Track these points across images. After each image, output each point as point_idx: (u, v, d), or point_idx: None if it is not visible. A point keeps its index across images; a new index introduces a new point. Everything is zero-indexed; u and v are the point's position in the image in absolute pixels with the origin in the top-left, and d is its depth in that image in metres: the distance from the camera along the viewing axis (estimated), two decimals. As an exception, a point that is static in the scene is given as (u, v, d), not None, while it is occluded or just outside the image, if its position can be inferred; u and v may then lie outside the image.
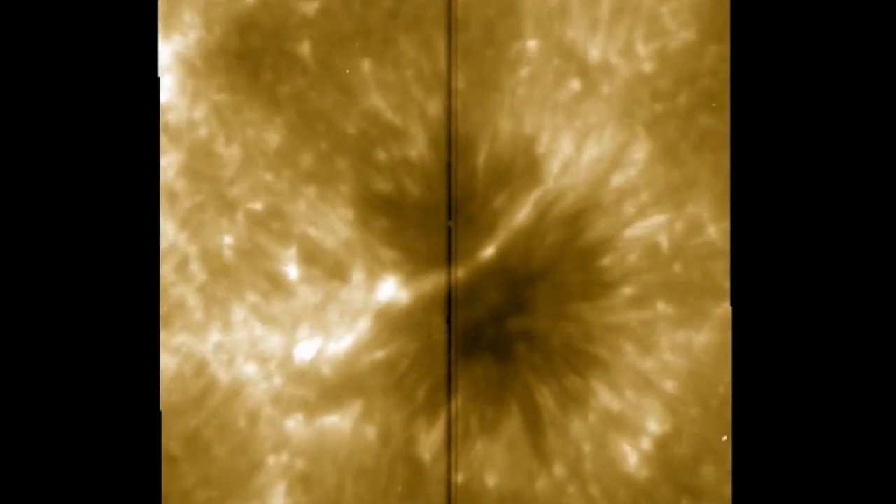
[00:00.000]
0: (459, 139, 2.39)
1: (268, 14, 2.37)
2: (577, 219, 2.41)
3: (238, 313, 2.37)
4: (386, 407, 2.38)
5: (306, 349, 2.37)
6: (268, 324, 2.37)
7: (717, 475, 2.43)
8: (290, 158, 2.38)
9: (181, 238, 2.37)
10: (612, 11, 2.40)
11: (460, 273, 2.39)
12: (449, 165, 2.39)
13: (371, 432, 2.38)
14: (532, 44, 2.40)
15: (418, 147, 2.39)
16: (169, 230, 2.37)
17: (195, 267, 2.37)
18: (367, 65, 2.38)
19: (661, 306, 2.41)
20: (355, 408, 2.38)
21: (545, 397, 2.40)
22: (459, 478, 2.39)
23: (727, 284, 2.42)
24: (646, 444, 2.41)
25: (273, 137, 2.38)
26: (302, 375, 2.38)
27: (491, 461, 2.40)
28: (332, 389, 2.38)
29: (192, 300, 2.37)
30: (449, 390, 2.39)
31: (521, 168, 2.40)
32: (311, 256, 2.38)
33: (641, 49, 2.41)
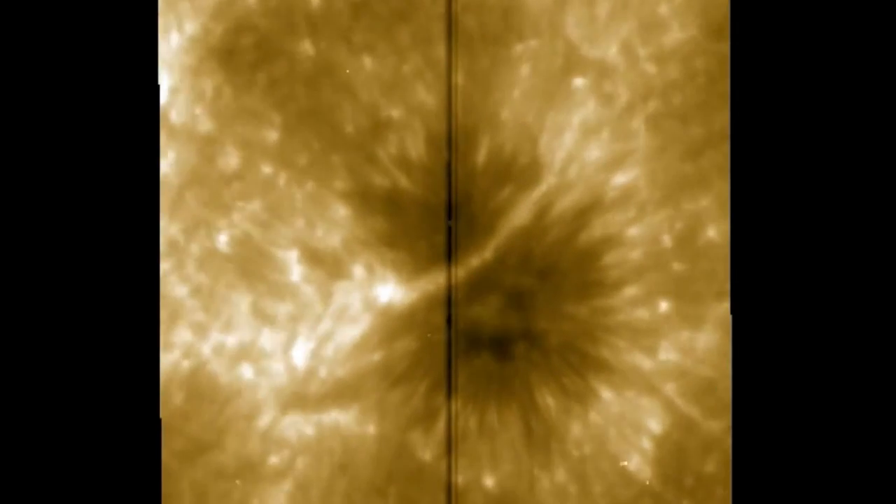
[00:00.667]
0: (459, 138, 2.39)
1: (267, 11, 2.37)
2: (576, 218, 2.41)
3: (238, 313, 2.37)
4: (386, 407, 2.38)
5: (302, 350, 2.37)
6: (267, 323, 2.37)
7: (717, 475, 2.43)
8: (290, 157, 2.38)
9: (181, 238, 2.37)
10: (613, 9, 2.40)
11: (460, 273, 2.39)
12: (449, 164, 2.39)
13: (371, 432, 2.38)
14: (533, 41, 2.40)
15: (418, 146, 2.39)
16: (169, 230, 2.37)
17: (195, 267, 2.37)
18: (367, 64, 2.38)
19: (662, 306, 2.41)
20: (355, 408, 2.38)
21: (545, 397, 2.40)
22: (459, 478, 2.39)
23: (727, 284, 2.42)
24: (646, 443, 2.41)
25: (272, 136, 2.38)
26: (302, 375, 2.38)
27: (491, 461, 2.40)
28: (331, 389, 2.38)
29: (192, 300, 2.37)
30: (449, 390, 2.39)
31: (521, 167, 2.40)
32: (311, 256, 2.38)
33: (642, 48, 2.41)
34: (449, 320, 2.39)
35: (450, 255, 2.39)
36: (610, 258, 2.41)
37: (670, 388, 2.42)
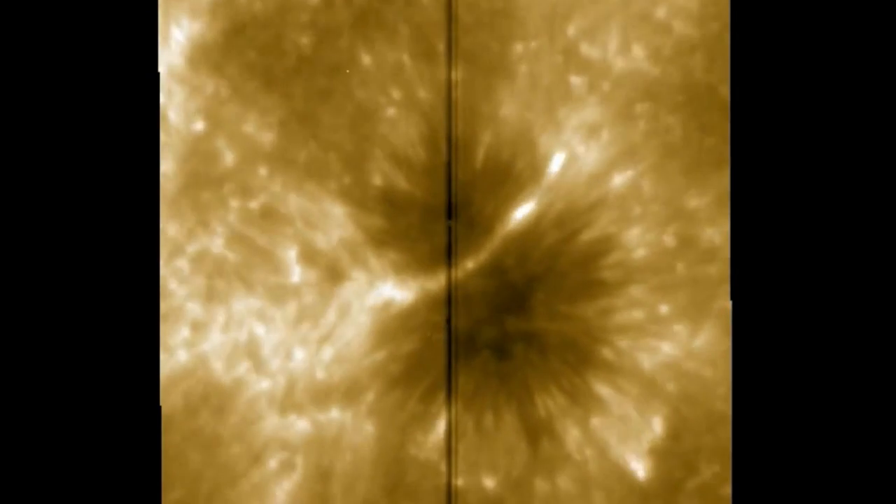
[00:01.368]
0: (459, 138, 2.39)
1: (267, 10, 2.37)
2: (576, 218, 2.41)
3: (237, 314, 2.37)
4: (386, 407, 2.38)
5: (301, 351, 2.37)
6: (267, 324, 2.37)
7: (717, 475, 2.43)
8: (289, 157, 2.38)
9: (181, 237, 2.37)
10: (613, 8, 2.40)
11: (460, 273, 2.39)
12: (448, 164, 2.38)
13: (370, 433, 2.38)
14: (532, 41, 2.39)
15: (417, 146, 2.39)
16: (169, 229, 2.37)
17: (195, 266, 2.37)
18: (367, 63, 2.38)
19: (662, 306, 2.41)
20: (355, 409, 2.38)
21: (545, 398, 2.40)
22: (459, 478, 2.39)
23: (727, 284, 2.42)
24: (646, 444, 2.41)
25: (272, 135, 2.37)
26: (301, 376, 2.38)
27: (490, 462, 2.40)
28: (331, 390, 2.38)
29: (192, 300, 2.37)
30: (449, 391, 2.39)
31: (520, 167, 2.40)
32: (311, 256, 2.38)
33: (642, 47, 2.41)
34: (449, 321, 2.39)
35: (450, 255, 2.39)
36: (610, 258, 2.41)
37: (670, 389, 2.42)
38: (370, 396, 2.38)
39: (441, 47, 2.39)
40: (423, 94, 2.39)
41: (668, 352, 2.42)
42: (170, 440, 2.37)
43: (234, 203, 2.37)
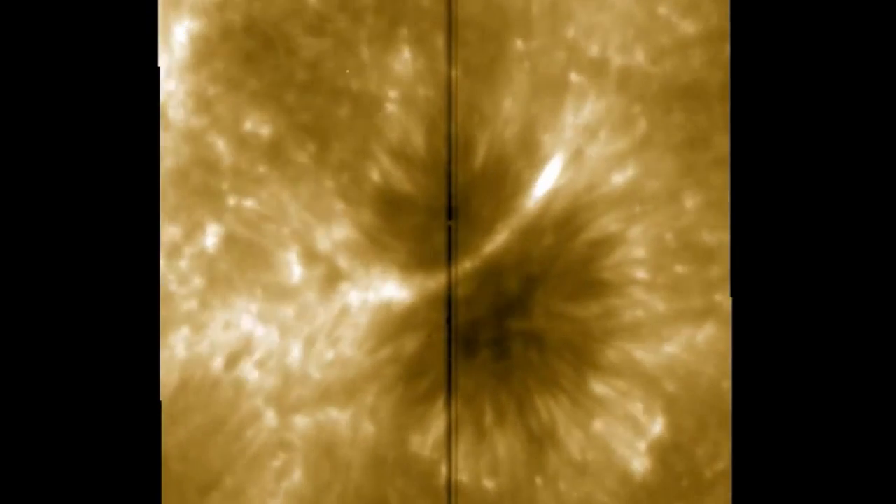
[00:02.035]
0: (459, 138, 2.39)
1: (266, 8, 2.37)
2: (576, 218, 2.40)
3: (237, 313, 2.37)
4: (385, 407, 2.38)
5: (301, 350, 2.37)
6: (266, 323, 2.37)
7: (717, 474, 2.43)
8: (289, 155, 2.38)
9: (180, 237, 2.37)
10: (614, 7, 2.40)
11: (460, 272, 2.39)
12: (449, 164, 2.38)
13: (370, 432, 2.38)
14: (532, 39, 2.39)
15: (418, 146, 2.39)
16: (168, 229, 2.37)
17: (195, 266, 2.37)
18: (367, 61, 2.38)
19: (661, 305, 2.41)
20: (355, 407, 2.38)
21: (545, 397, 2.40)
22: (459, 477, 2.39)
23: (727, 284, 2.42)
24: (646, 442, 2.41)
25: (271, 134, 2.37)
26: (301, 375, 2.38)
27: (490, 460, 2.40)
28: (331, 389, 2.38)
29: (192, 300, 2.37)
30: (449, 390, 2.39)
31: (520, 166, 2.40)
32: (311, 256, 2.38)
33: (642, 46, 2.41)
34: (449, 320, 2.39)
35: (450, 254, 2.39)
36: (610, 258, 2.41)
37: (670, 387, 2.42)
38: (370, 396, 2.38)
39: (441, 46, 2.39)
40: (423, 92, 2.39)
41: (669, 351, 2.42)
42: (169, 440, 2.37)
43: (233, 202, 2.37)
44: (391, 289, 2.38)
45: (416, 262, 2.39)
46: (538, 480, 2.40)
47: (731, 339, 2.43)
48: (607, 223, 2.41)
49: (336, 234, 2.38)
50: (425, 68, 2.38)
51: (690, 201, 2.42)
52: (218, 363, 2.37)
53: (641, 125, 2.41)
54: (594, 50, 2.40)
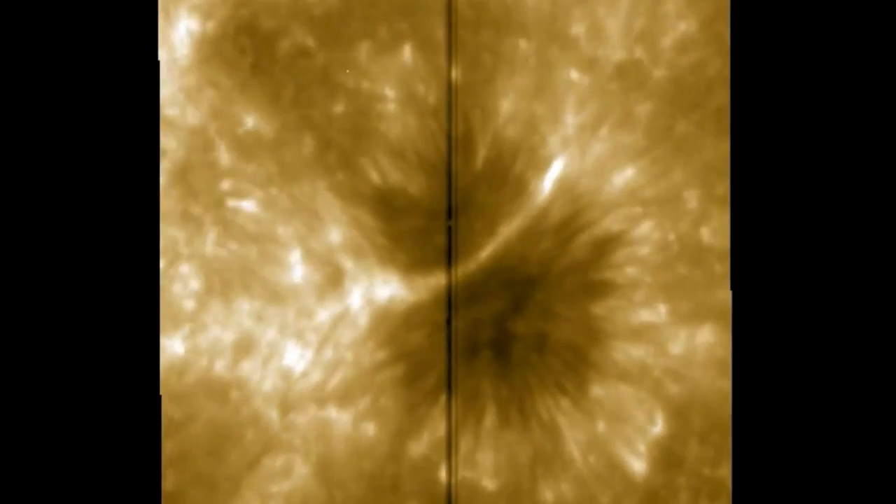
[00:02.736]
0: (460, 137, 2.39)
1: (266, 7, 2.37)
2: (577, 218, 2.40)
3: (237, 313, 2.37)
4: (386, 407, 2.38)
5: (301, 351, 2.37)
6: (266, 323, 2.37)
7: (717, 474, 2.43)
8: (288, 155, 2.37)
9: (180, 236, 2.37)
10: (614, 6, 2.40)
11: (460, 273, 2.39)
12: (449, 164, 2.38)
13: (371, 432, 2.38)
14: (532, 38, 2.39)
15: (418, 146, 2.38)
16: (168, 229, 2.36)
17: (194, 266, 2.37)
18: (368, 62, 2.38)
19: (661, 306, 2.41)
20: (355, 408, 2.38)
21: (545, 398, 2.40)
22: (459, 478, 2.39)
23: (727, 284, 2.42)
24: (646, 443, 2.41)
25: (271, 133, 2.37)
26: (301, 376, 2.38)
27: (490, 461, 2.40)
28: (331, 390, 2.38)
29: (192, 300, 2.36)
30: (449, 391, 2.39)
31: (521, 166, 2.39)
32: (310, 255, 2.38)
33: (643, 46, 2.41)
34: (449, 321, 2.39)
35: (450, 255, 2.39)
36: (611, 258, 2.41)
37: (670, 388, 2.42)
38: (370, 396, 2.38)
39: (441, 45, 2.39)
40: (422, 91, 2.38)
41: (669, 351, 2.42)
42: (169, 440, 2.37)
43: (233, 202, 2.37)
44: (391, 289, 2.38)
45: (416, 263, 2.39)
46: (538, 480, 2.40)
47: (732, 339, 2.43)
48: (608, 224, 2.41)
49: (336, 234, 2.38)
50: (425, 67, 2.38)
51: (691, 202, 2.42)
52: (218, 364, 2.37)
53: (642, 125, 2.41)
54: (595, 48, 2.40)
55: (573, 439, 2.40)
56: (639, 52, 2.40)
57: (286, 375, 2.37)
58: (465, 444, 2.39)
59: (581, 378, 2.40)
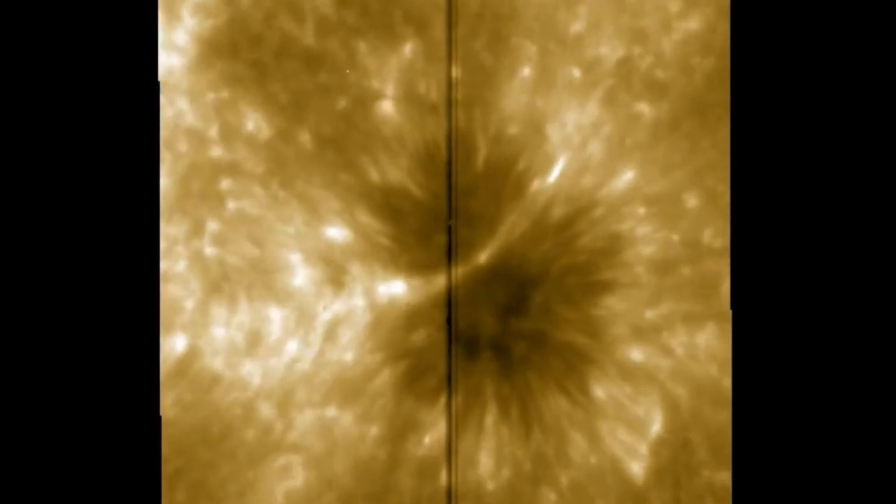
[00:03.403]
0: (460, 137, 2.38)
1: (266, 5, 2.37)
2: (577, 218, 2.40)
3: (236, 313, 2.37)
4: (386, 407, 2.38)
5: (301, 350, 2.37)
6: (266, 323, 2.37)
7: (717, 474, 2.43)
8: (288, 154, 2.37)
9: (180, 236, 2.36)
10: (615, 6, 2.40)
11: (460, 273, 2.39)
12: (449, 164, 2.38)
13: (371, 432, 2.38)
14: (532, 38, 2.39)
15: (418, 145, 2.38)
16: (168, 228, 2.36)
17: (194, 265, 2.36)
18: (368, 61, 2.38)
19: (661, 306, 2.41)
20: (355, 408, 2.38)
21: (546, 398, 2.40)
22: (459, 478, 2.39)
23: (727, 284, 2.42)
24: (646, 443, 2.41)
25: (271, 133, 2.37)
26: (301, 376, 2.37)
27: (491, 461, 2.40)
28: (332, 390, 2.38)
29: (192, 299, 2.36)
30: (449, 391, 2.39)
31: (522, 166, 2.39)
32: (310, 255, 2.37)
33: (643, 45, 2.41)
34: (449, 320, 2.38)
35: (450, 255, 2.39)
36: (611, 258, 2.41)
37: (670, 388, 2.42)
38: (370, 396, 2.38)
39: (441, 43, 2.39)
40: (423, 91, 2.38)
41: (669, 351, 2.41)
42: (169, 440, 2.36)
43: (233, 201, 2.37)
44: (391, 289, 2.38)
45: (416, 262, 2.38)
46: (538, 480, 2.40)
47: (732, 339, 2.43)
48: (609, 223, 2.40)
49: (337, 233, 2.37)
50: (425, 65, 2.38)
51: (691, 202, 2.42)
52: (218, 363, 2.36)
53: (643, 124, 2.41)
54: (595, 49, 2.40)
55: (573, 439, 2.40)
56: (640, 51, 2.40)
57: (285, 375, 2.37)
58: (465, 444, 2.39)
59: (581, 378, 2.40)
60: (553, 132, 2.40)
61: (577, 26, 2.40)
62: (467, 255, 2.39)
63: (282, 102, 2.37)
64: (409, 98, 2.38)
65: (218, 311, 2.36)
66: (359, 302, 2.38)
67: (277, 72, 2.37)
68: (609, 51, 2.40)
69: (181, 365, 2.36)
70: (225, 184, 2.36)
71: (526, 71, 2.39)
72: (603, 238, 2.40)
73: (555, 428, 2.40)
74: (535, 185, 2.39)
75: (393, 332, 2.38)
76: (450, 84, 2.38)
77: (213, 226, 2.36)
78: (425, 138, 2.39)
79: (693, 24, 2.41)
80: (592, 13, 2.40)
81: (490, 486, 2.40)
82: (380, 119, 2.38)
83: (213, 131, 2.36)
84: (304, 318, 2.37)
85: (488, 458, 2.40)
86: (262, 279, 2.37)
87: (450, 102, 2.38)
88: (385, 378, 2.38)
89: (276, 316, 2.37)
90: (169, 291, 2.36)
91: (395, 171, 2.38)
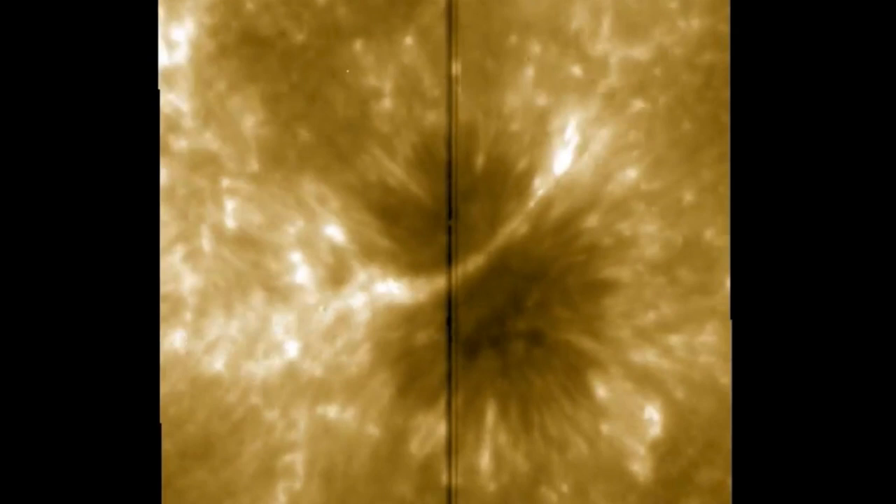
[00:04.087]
0: (460, 137, 2.38)
1: (266, 5, 2.37)
2: (577, 217, 2.40)
3: (236, 312, 2.37)
4: (386, 407, 2.38)
5: (301, 350, 2.37)
6: (266, 322, 2.37)
7: (717, 474, 2.43)
8: (288, 154, 2.37)
9: (180, 235, 2.36)
10: (615, 4, 2.40)
11: (461, 272, 2.39)
12: (449, 163, 2.38)
13: (371, 432, 2.38)
14: (532, 36, 2.39)
15: (418, 145, 2.38)
16: (168, 226, 2.36)
17: (194, 265, 2.36)
18: (368, 61, 2.38)
19: (661, 305, 2.41)
20: (355, 408, 2.38)
21: (546, 397, 2.40)
22: (459, 478, 2.39)
23: (727, 284, 2.42)
24: (646, 444, 2.41)
25: (272, 132, 2.37)
26: (301, 375, 2.37)
27: (490, 461, 2.40)
28: (332, 389, 2.38)
29: (192, 298, 2.36)
30: (449, 390, 2.39)
31: (522, 165, 2.39)
32: (310, 255, 2.37)
33: (644, 45, 2.41)
34: (449, 320, 2.38)
35: (450, 254, 2.39)
36: (612, 257, 2.41)
37: (670, 389, 2.42)
38: (370, 396, 2.38)
39: (442, 40, 2.39)
40: (423, 88, 2.38)
41: (669, 351, 2.42)
42: (170, 440, 2.36)
43: (233, 201, 2.36)
44: (391, 288, 2.38)
45: (416, 262, 2.38)
46: (538, 480, 2.40)
47: (732, 339, 2.43)
48: (609, 223, 2.40)
49: (337, 233, 2.37)
50: (426, 63, 2.38)
51: (691, 201, 2.42)
52: (218, 363, 2.36)
53: (644, 124, 2.41)
54: (596, 46, 2.40)
55: (574, 439, 2.40)
56: (640, 50, 2.40)
57: (285, 375, 2.37)
58: (465, 444, 2.39)
59: (582, 378, 2.40)
60: (554, 131, 2.40)
61: (578, 23, 2.40)
62: (467, 254, 2.39)
63: (282, 101, 2.37)
64: (408, 96, 2.38)
65: (218, 310, 2.36)
66: (359, 301, 2.38)
67: (277, 69, 2.36)
68: (610, 48, 2.40)
69: (181, 365, 2.36)
70: (225, 182, 2.36)
71: (528, 68, 2.39)
72: (603, 237, 2.40)
73: (554, 428, 2.40)
74: (536, 183, 2.39)
75: (393, 331, 2.38)
76: (450, 81, 2.38)
77: (213, 224, 2.36)
78: (425, 137, 2.39)
79: (694, 21, 2.41)
80: (593, 10, 2.40)
81: (490, 486, 2.40)
82: (380, 118, 2.38)
83: (214, 129, 2.36)
84: (303, 318, 2.37)
85: (488, 458, 2.40)
86: (263, 278, 2.37)
87: (449, 100, 2.38)
88: (385, 378, 2.38)
89: (275, 315, 2.37)
90: (168, 289, 2.36)
91: (395, 171, 2.38)
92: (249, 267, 2.37)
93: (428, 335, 2.39)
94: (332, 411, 2.38)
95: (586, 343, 2.40)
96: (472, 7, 2.38)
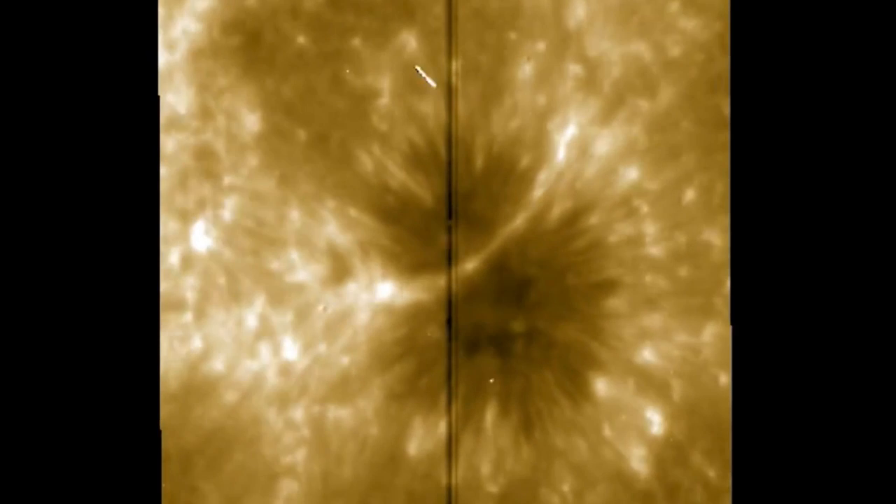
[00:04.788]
0: (460, 137, 2.38)
1: (266, 5, 2.37)
2: (577, 218, 2.40)
3: (236, 311, 2.37)
4: (386, 407, 2.38)
5: (301, 349, 2.37)
6: (266, 322, 2.37)
7: (717, 474, 2.43)
8: (288, 153, 2.37)
9: (179, 234, 2.36)
10: (615, 4, 2.40)
11: (460, 272, 2.39)
12: (449, 163, 2.38)
13: (371, 432, 2.38)
14: (533, 36, 2.39)
15: (418, 145, 2.38)
16: (168, 226, 2.36)
17: (194, 264, 2.36)
18: (368, 61, 2.38)
19: (662, 305, 2.41)
20: (355, 408, 2.38)
21: (546, 397, 2.40)
22: (459, 478, 2.39)
23: (727, 284, 2.42)
24: (647, 443, 2.41)
25: (271, 132, 2.37)
26: (301, 375, 2.37)
27: (491, 461, 2.40)
28: (331, 389, 2.38)
29: (192, 297, 2.36)
30: (449, 390, 2.39)
31: (521, 166, 2.39)
32: (310, 254, 2.37)
33: (644, 45, 2.41)
34: (449, 320, 2.38)
35: (450, 254, 2.39)
36: (612, 257, 2.41)
37: (670, 388, 2.42)
38: (370, 396, 2.38)
39: (441, 42, 2.39)
40: (423, 88, 2.38)
41: (669, 351, 2.42)
42: (170, 440, 2.36)
43: (233, 200, 2.36)
44: (391, 288, 2.38)
45: (416, 262, 2.38)
46: (538, 480, 2.40)
47: (732, 339, 2.43)
48: (610, 222, 2.41)
49: (337, 232, 2.37)
50: (425, 63, 2.38)
51: (692, 201, 2.42)
52: (217, 362, 2.36)
53: (644, 123, 2.41)
54: (595, 47, 2.40)
55: (574, 439, 2.40)
56: (641, 50, 2.41)
57: (285, 374, 2.37)
58: (465, 443, 2.39)
59: (582, 378, 2.40)
60: (554, 130, 2.40)
61: (578, 22, 2.40)
62: (467, 254, 2.39)
63: (282, 100, 2.37)
64: (408, 94, 2.38)
65: (217, 309, 2.36)
66: (359, 301, 2.38)
67: (276, 68, 2.37)
68: (611, 47, 2.40)
69: (181, 365, 2.36)
70: (225, 181, 2.36)
71: (527, 68, 2.39)
72: (603, 237, 2.40)
73: (555, 427, 2.40)
74: (537, 183, 2.39)
75: (393, 331, 2.38)
76: (450, 84, 2.38)
77: (212, 224, 2.36)
78: (425, 136, 2.39)
79: (694, 21, 2.42)
80: (594, 9, 2.40)
81: (490, 486, 2.40)
82: (380, 117, 2.38)
83: (213, 129, 2.36)
84: (303, 318, 2.37)
85: (488, 458, 2.40)
86: (263, 278, 2.37)
87: (449, 99, 2.38)
88: (385, 378, 2.38)
89: (275, 315, 2.37)
90: (168, 288, 2.36)
91: (395, 170, 2.38)
92: (249, 266, 2.37)
93: (428, 335, 2.39)
94: (332, 411, 2.38)
95: (587, 343, 2.40)
96: (473, 5, 2.38)
